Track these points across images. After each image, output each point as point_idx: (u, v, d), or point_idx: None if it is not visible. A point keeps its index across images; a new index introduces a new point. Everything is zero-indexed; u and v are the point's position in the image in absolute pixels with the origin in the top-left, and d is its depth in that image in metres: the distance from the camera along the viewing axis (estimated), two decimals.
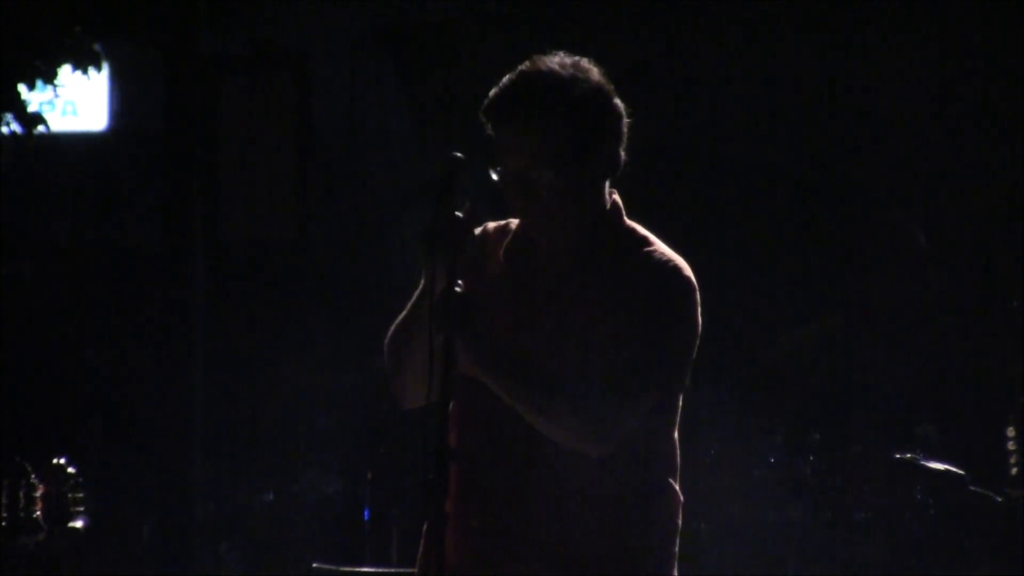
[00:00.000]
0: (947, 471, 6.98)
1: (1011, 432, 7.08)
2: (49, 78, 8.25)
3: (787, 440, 7.43)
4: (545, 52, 3.44)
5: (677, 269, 3.46)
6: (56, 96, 8.91)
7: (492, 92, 3.37)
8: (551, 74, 3.37)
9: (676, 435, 3.54)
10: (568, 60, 3.42)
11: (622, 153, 3.52)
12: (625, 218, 3.55)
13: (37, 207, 9.69)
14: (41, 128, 8.29)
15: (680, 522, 3.51)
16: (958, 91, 8.70)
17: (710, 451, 7.60)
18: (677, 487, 3.52)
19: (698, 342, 3.45)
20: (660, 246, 3.51)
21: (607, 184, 3.53)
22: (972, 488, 6.93)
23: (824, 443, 7.37)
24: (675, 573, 3.51)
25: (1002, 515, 6.92)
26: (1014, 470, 7.04)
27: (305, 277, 9.51)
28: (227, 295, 9.62)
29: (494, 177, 3.38)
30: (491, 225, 3.54)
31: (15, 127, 8.20)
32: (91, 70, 8.32)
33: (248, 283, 9.66)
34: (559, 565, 3.34)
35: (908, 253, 8.23)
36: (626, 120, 3.50)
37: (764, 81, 9.05)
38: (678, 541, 3.52)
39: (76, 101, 9.89)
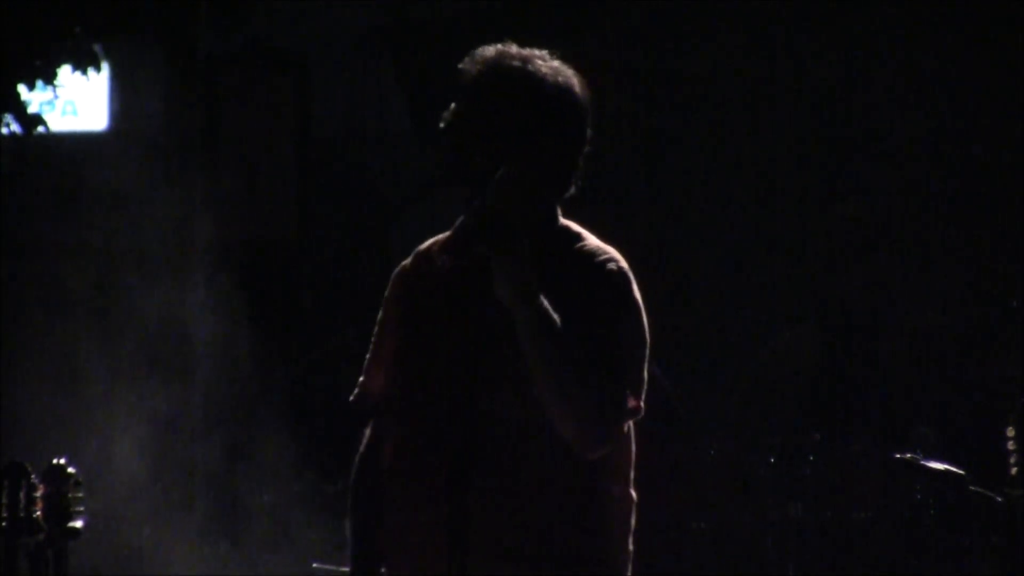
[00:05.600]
0: (947, 471, 6.97)
1: (1011, 432, 7.07)
2: (49, 78, 8.25)
3: (787, 440, 7.43)
4: (548, 53, 3.48)
5: (610, 259, 3.45)
6: (56, 96, 8.91)
7: (482, 49, 3.45)
8: (536, 57, 3.45)
9: (631, 432, 3.51)
10: (562, 66, 3.48)
11: (574, 178, 3.50)
12: (560, 217, 3.53)
13: (37, 207, 9.68)
14: (41, 128, 8.29)
15: (634, 523, 3.50)
16: (958, 91, 8.70)
17: (710, 451, 7.60)
18: (631, 487, 3.50)
19: (648, 336, 3.42)
20: (592, 240, 3.50)
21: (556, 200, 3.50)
22: (972, 488, 6.93)
23: (824, 443, 7.36)
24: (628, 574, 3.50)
25: (1002, 515, 6.92)
26: (1014, 470, 7.04)
27: (305, 277, 9.51)
28: (227, 295, 9.62)
29: (441, 124, 3.43)
30: (423, 245, 3.59)
31: (15, 127, 8.20)
32: (91, 71, 8.32)
33: (248, 283, 9.65)
34: (513, 565, 3.34)
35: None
36: (587, 148, 3.49)
37: (764, 81, 9.05)
38: (632, 541, 3.51)
39: (76, 101, 9.88)
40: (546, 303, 3.25)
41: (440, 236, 3.60)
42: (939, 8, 8.71)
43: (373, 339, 3.66)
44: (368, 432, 3.64)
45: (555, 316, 3.25)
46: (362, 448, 3.64)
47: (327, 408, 9.15)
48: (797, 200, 8.99)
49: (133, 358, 9.40)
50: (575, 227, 3.52)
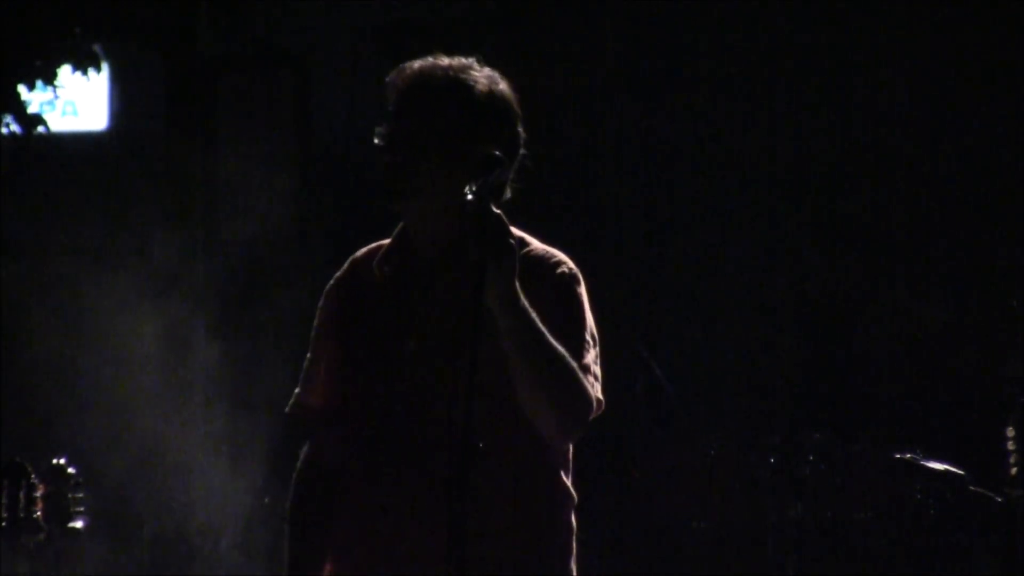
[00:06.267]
0: (947, 471, 6.98)
1: (1011, 432, 7.08)
2: (49, 79, 8.25)
3: (787, 440, 7.43)
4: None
5: (560, 261, 3.49)
6: (56, 96, 8.92)
7: (407, 64, 3.51)
8: (462, 67, 3.48)
9: None
10: (485, 69, 3.52)
11: (508, 184, 3.51)
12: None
13: (37, 207, 9.68)
14: (41, 128, 8.30)
15: (574, 521, 3.52)
16: (958, 91, 8.70)
17: (710, 451, 7.60)
18: (569, 485, 3.52)
19: (597, 335, 3.46)
20: (537, 244, 3.53)
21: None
22: (972, 488, 6.93)
23: (824, 443, 7.36)
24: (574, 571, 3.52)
25: (1002, 515, 6.92)
26: (1014, 470, 7.04)
27: (305, 277, 9.50)
28: (227, 295, 9.62)
29: (376, 140, 3.47)
30: (359, 252, 3.63)
31: (15, 128, 8.20)
32: (91, 71, 8.32)
33: (248, 283, 9.65)
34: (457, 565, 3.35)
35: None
36: (523, 151, 3.50)
37: (763, 81, 9.05)
38: (575, 541, 3.53)
39: (76, 101, 9.88)
40: (527, 305, 3.27)
41: (374, 244, 3.61)
42: (939, 8, 8.71)
43: (310, 350, 3.66)
44: (307, 444, 3.63)
45: (534, 314, 3.27)
46: (303, 459, 3.65)
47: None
48: (796, 199, 8.99)
49: (133, 359, 9.40)
50: (518, 232, 3.50)
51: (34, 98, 8.47)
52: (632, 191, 9.08)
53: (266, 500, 9.26)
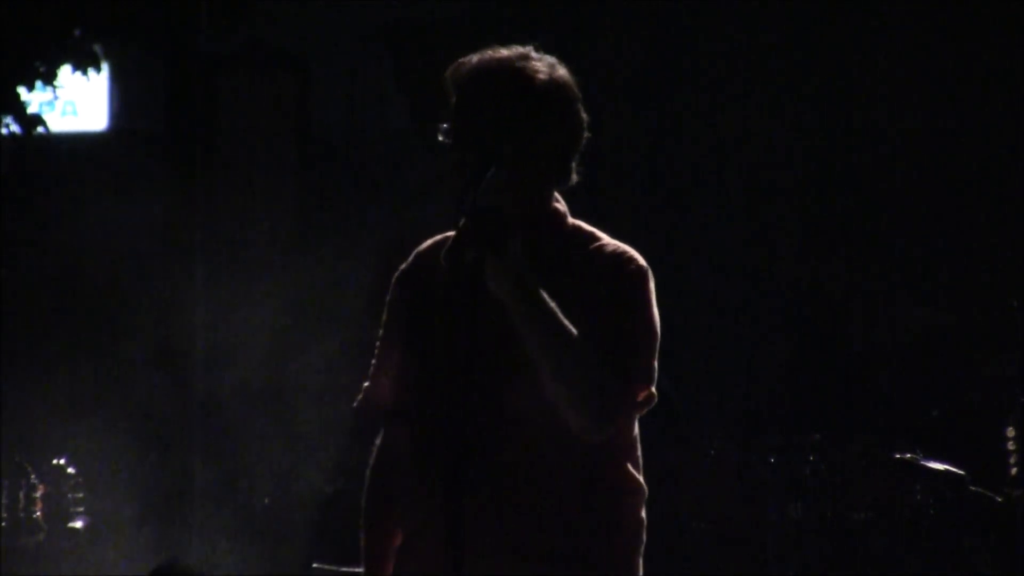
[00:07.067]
0: (947, 471, 6.98)
1: (1011, 432, 7.08)
2: (49, 79, 8.25)
3: (787, 440, 7.43)
4: (534, 49, 3.50)
5: (631, 258, 3.47)
6: (56, 97, 8.92)
7: (463, 60, 3.48)
8: (521, 57, 3.46)
9: (636, 427, 3.52)
10: (544, 56, 3.49)
11: (574, 166, 3.51)
12: (569, 218, 3.54)
13: (37, 207, 9.68)
14: (41, 129, 8.30)
15: (645, 516, 3.51)
16: (958, 91, 8.70)
17: (710, 451, 7.60)
18: (641, 479, 3.51)
19: (659, 331, 3.45)
20: (609, 239, 3.52)
21: (554, 192, 3.52)
22: (972, 488, 6.93)
23: (824, 443, 7.36)
24: (640, 570, 3.51)
25: (1002, 515, 6.92)
26: (1014, 470, 7.04)
27: (305, 277, 9.50)
28: (227, 295, 9.62)
29: (441, 138, 3.44)
30: (424, 244, 3.60)
31: (15, 128, 8.20)
32: (91, 71, 8.32)
33: (248, 283, 9.65)
34: (525, 561, 3.35)
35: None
36: (586, 133, 3.49)
37: (759, 81, 9.05)
38: (644, 535, 3.51)
39: (76, 101, 9.88)
40: (543, 294, 3.27)
41: (440, 236, 3.60)
42: (936, 7, 8.71)
43: (377, 344, 3.65)
44: (379, 439, 3.63)
45: (552, 305, 3.27)
46: (375, 455, 3.64)
47: (321, 409, 9.15)
48: (796, 199, 8.99)
49: (133, 358, 9.40)
50: (587, 227, 3.53)
51: (34, 98, 8.47)
52: (630, 191, 9.08)
53: (266, 501, 9.26)
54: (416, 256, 3.60)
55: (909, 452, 7.09)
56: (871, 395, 8.33)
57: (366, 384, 3.65)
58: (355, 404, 3.66)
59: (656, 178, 9.10)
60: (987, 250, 8.57)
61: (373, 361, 3.65)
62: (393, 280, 3.64)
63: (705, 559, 7.37)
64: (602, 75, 8.93)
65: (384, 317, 3.64)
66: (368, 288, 9.20)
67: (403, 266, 3.62)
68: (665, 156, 9.11)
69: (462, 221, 3.40)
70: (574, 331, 3.28)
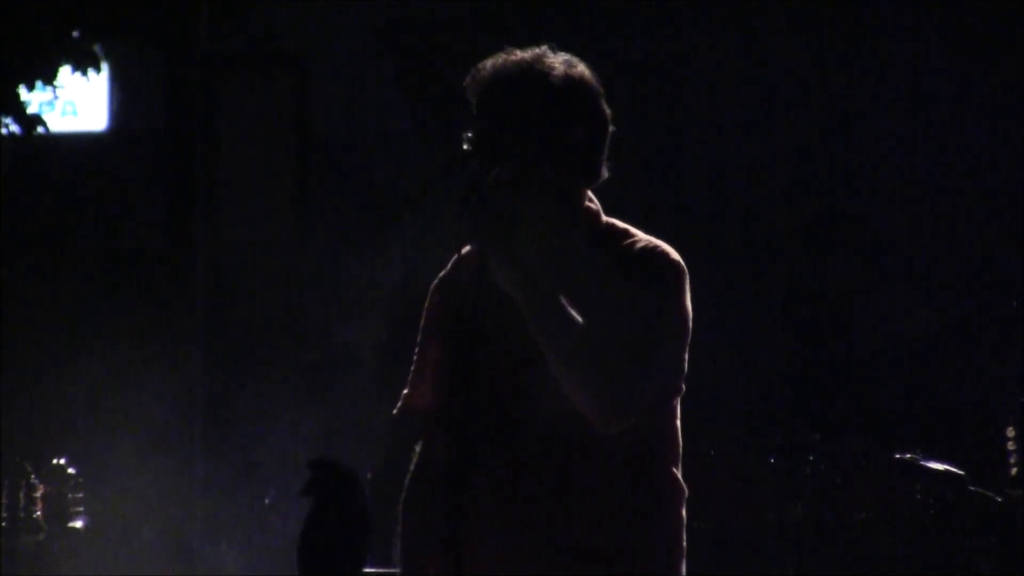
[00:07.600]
0: (947, 471, 6.97)
1: (1011, 432, 7.07)
2: (49, 79, 8.25)
3: (787, 440, 7.43)
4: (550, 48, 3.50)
5: (664, 253, 3.49)
6: (56, 97, 8.91)
7: (481, 65, 3.47)
8: (536, 56, 3.46)
9: (679, 424, 3.54)
10: (560, 54, 3.50)
11: (603, 162, 3.51)
12: (603, 216, 3.55)
13: (37, 207, 9.68)
14: (41, 129, 8.29)
15: (685, 514, 3.51)
16: (958, 91, 8.70)
17: (710, 451, 7.59)
18: (680, 477, 3.52)
19: (691, 325, 3.45)
20: (642, 235, 3.53)
21: (585, 191, 3.52)
22: (972, 488, 6.93)
23: (824, 443, 7.36)
24: (683, 570, 3.51)
25: (1002, 515, 6.92)
26: (1014, 470, 7.04)
27: (305, 277, 9.50)
28: (227, 295, 9.62)
29: (464, 146, 3.43)
30: (465, 250, 3.56)
31: (15, 128, 8.20)
32: (91, 71, 8.32)
33: (248, 283, 9.65)
34: (565, 560, 3.35)
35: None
36: (611, 127, 3.49)
37: (759, 81, 9.05)
38: (685, 535, 3.52)
39: (76, 101, 9.87)
40: (550, 285, 3.26)
41: None
42: (936, 7, 8.72)
43: (416, 351, 3.63)
44: (420, 444, 3.62)
45: (559, 298, 3.27)
46: (416, 459, 3.62)
47: (321, 410, 9.15)
48: (795, 198, 8.99)
49: (133, 358, 9.40)
50: (621, 224, 3.54)
51: (34, 98, 8.47)
52: (629, 191, 9.07)
53: (266, 501, 9.26)
54: (456, 261, 3.59)
55: (909, 452, 7.08)
56: (871, 395, 8.32)
57: (405, 391, 3.64)
58: (395, 411, 3.65)
59: (656, 178, 9.10)
60: (987, 250, 8.56)
61: (412, 368, 3.63)
62: (432, 287, 3.63)
63: (705, 559, 7.36)
64: (602, 75, 8.92)
65: (422, 323, 3.63)
66: (368, 288, 9.22)
67: (442, 273, 3.62)
68: (665, 156, 9.10)
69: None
70: (581, 322, 3.27)
